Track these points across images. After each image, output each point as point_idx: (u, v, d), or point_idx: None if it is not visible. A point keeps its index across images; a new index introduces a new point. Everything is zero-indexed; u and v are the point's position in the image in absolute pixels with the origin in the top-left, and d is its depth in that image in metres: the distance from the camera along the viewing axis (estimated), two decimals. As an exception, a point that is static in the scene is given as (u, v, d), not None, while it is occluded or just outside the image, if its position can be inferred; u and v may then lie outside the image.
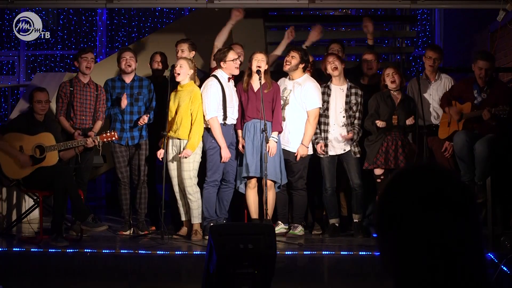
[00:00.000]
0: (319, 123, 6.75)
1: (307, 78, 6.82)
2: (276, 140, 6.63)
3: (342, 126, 6.72)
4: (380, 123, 6.52)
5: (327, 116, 6.75)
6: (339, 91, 6.77)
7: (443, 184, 1.42)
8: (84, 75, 7.07)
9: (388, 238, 1.45)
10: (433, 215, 1.40)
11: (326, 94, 6.76)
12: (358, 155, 6.69)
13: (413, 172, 1.47)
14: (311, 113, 6.71)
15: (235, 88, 6.81)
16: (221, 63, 6.68)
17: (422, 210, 1.40)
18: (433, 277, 1.38)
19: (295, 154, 6.74)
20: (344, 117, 6.73)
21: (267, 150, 6.49)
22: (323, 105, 6.74)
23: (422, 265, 1.39)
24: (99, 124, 7.07)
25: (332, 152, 6.73)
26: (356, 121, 6.71)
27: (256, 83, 6.67)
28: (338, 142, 6.72)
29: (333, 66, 6.71)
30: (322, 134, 6.75)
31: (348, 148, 6.71)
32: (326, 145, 6.72)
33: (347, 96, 6.74)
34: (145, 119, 6.85)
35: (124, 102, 6.81)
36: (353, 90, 6.76)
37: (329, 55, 6.86)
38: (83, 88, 7.03)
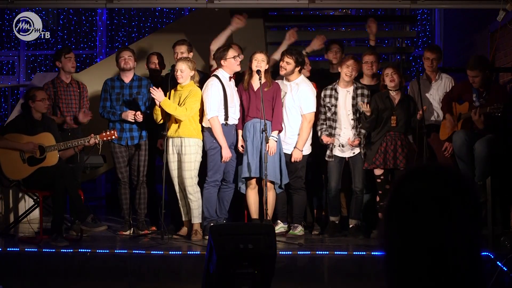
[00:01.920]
0: (328, 126, 6.72)
1: (303, 80, 6.83)
2: (276, 140, 6.63)
3: (352, 128, 6.69)
4: (366, 109, 6.48)
5: (335, 120, 6.71)
6: (346, 93, 6.73)
7: (437, 185, 1.44)
8: (67, 75, 7.08)
9: (390, 238, 1.46)
10: (425, 216, 1.41)
11: (333, 97, 6.72)
12: (360, 157, 6.67)
13: (411, 174, 1.49)
14: (306, 117, 6.71)
15: (236, 88, 6.81)
16: (222, 62, 6.68)
17: (414, 211, 1.42)
18: (428, 277, 1.39)
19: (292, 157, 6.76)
20: (353, 119, 6.70)
21: (267, 150, 6.50)
22: (331, 109, 6.71)
23: (417, 266, 1.40)
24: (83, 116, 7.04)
25: (340, 154, 6.70)
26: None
27: (256, 82, 6.67)
28: (348, 145, 6.68)
29: (349, 72, 6.63)
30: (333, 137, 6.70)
31: (357, 150, 6.67)
32: (333, 148, 6.68)
33: (353, 98, 6.70)
34: (141, 117, 6.82)
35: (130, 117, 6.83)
36: (359, 91, 6.71)
37: (351, 59, 6.74)
38: (66, 88, 7.04)
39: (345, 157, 6.72)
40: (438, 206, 1.41)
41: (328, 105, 6.73)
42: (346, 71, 6.65)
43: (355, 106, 6.69)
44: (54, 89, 7.02)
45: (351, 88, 6.75)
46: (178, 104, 6.51)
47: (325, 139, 6.69)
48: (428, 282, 1.39)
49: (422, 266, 1.40)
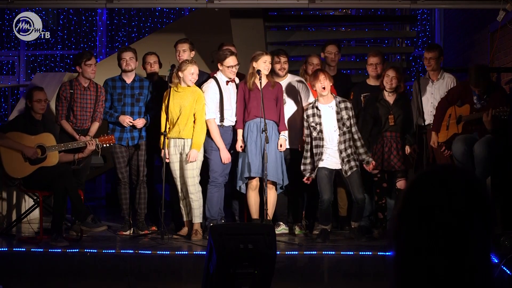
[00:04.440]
0: (315, 146, 6.46)
1: (292, 76, 6.99)
2: (286, 138, 6.65)
3: (338, 143, 6.44)
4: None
5: (321, 139, 6.45)
6: (328, 109, 6.49)
7: (448, 192, 1.43)
8: (86, 79, 7.03)
9: (400, 243, 1.46)
10: (437, 223, 1.41)
11: (316, 115, 6.45)
12: (355, 168, 6.42)
13: (421, 180, 1.49)
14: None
15: (235, 92, 6.80)
16: (219, 64, 6.71)
17: (426, 218, 1.42)
18: (439, 281, 1.40)
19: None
20: (339, 135, 6.45)
21: (278, 147, 6.56)
22: (316, 128, 6.45)
23: (428, 270, 1.40)
24: (96, 125, 6.99)
25: (329, 166, 6.44)
26: (356, 135, 6.45)
27: (262, 82, 6.65)
28: (335, 158, 6.44)
29: (322, 86, 6.37)
30: (319, 156, 6.43)
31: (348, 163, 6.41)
32: (321, 160, 6.42)
33: (337, 113, 6.46)
34: (140, 122, 6.86)
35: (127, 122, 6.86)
36: (342, 105, 6.47)
37: (320, 72, 6.46)
38: (83, 91, 6.98)
39: (334, 169, 6.48)
40: (450, 212, 1.41)
41: (313, 124, 6.46)
42: (321, 85, 6.37)
43: (341, 121, 6.45)
44: (71, 90, 6.97)
45: (332, 103, 6.50)
46: (181, 107, 6.52)
47: (306, 180, 6.49)
48: (439, 286, 1.39)
49: (432, 270, 1.40)
